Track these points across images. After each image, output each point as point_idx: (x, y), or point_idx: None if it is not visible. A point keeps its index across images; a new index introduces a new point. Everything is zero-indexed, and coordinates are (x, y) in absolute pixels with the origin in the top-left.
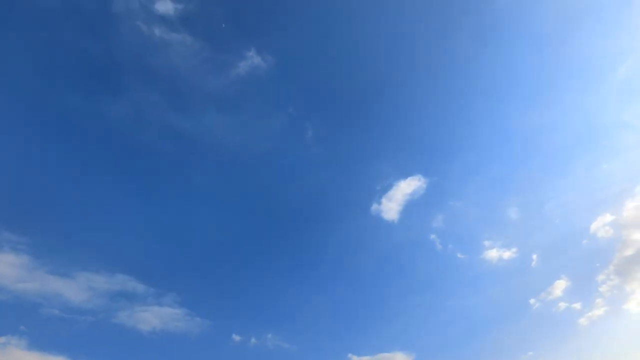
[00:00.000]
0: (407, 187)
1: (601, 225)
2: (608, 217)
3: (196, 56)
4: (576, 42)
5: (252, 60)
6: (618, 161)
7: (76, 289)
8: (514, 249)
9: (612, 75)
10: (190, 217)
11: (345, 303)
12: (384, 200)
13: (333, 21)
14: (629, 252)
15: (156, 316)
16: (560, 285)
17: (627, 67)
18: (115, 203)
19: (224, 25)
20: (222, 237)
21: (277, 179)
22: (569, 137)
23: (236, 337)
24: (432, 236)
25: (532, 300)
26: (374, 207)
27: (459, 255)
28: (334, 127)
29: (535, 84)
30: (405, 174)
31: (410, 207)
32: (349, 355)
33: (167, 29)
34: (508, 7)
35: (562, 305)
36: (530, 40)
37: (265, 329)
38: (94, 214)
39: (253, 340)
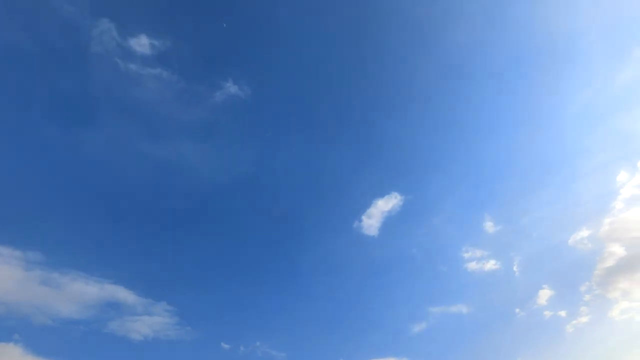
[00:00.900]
0: (385, 205)
1: (579, 239)
2: (585, 232)
3: (172, 88)
4: (550, 66)
5: (229, 89)
6: (593, 179)
7: (68, 300)
8: (494, 261)
9: (580, 97)
10: (174, 237)
11: (333, 311)
12: (364, 217)
13: (308, 50)
14: (609, 263)
15: (147, 325)
16: (544, 295)
17: (593, 90)
18: (97, 226)
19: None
20: (210, 252)
21: (259, 200)
22: (544, 156)
23: (225, 346)
24: (413, 249)
25: (517, 309)
26: (355, 224)
27: (440, 267)
28: (311, 150)
29: (512, 105)
30: (382, 192)
31: (389, 223)
32: None
33: (142, 64)
34: (482, 38)
35: (548, 313)
36: (506, 66)
37: (254, 337)
38: (81, 235)
39: (242, 348)
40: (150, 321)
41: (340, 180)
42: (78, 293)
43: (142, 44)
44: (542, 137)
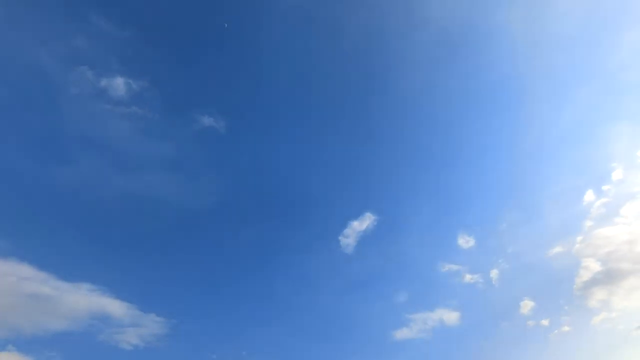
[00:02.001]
0: (359, 225)
1: (555, 255)
2: (560, 248)
3: (147, 123)
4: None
5: (204, 122)
6: (561, 201)
7: (59, 312)
8: (472, 275)
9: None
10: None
11: (315, 322)
12: (341, 237)
13: (282, 81)
14: (586, 276)
15: (137, 335)
16: (526, 306)
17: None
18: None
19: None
20: (195, 270)
21: (242, 223)
22: (513, 179)
23: (213, 356)
24: (389, 264)
25: (502, 320)
26: (333, 244)
27: (417, 279)
28: (286, 178)
29: (481, 132)
30: (356, 214)
31: (365, 241)
32: None
33: (117, 104)
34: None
35: (531, 323)
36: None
37: (240, 347)
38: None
39: (229, 358)
40: (140, 331)
41: (316, 205)
42: (69, 305)
43: (117, 85)
44: (509, 163)
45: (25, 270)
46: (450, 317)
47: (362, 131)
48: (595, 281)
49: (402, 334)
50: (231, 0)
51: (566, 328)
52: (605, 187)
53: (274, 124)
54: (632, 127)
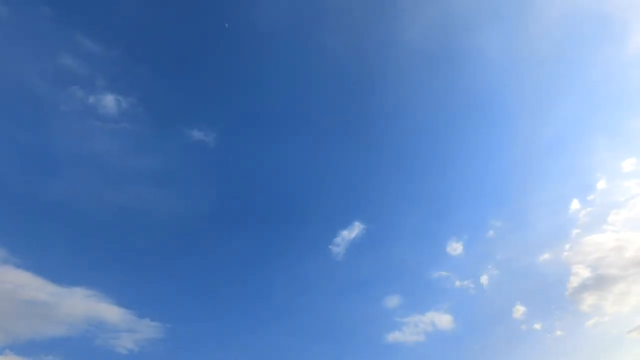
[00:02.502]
0: (349, 234)
1: (544, 261)
2: (549, 255)
3: (137, 138)
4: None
5: (194, 135)
6: (549, 209)
7: (55, 317)
8: (463, 280)
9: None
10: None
11: (309, 325)
12: (331, 246)
13: (273, 94)
14: (576, 282)
15: (132, 340)
16: (519, 310)
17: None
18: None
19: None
20: (191, 278)
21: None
22: (498, 189)
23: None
24: (379, 270)
25: (495, 324)
26: (324, 252)
27: (408, 283)
28: (278, 191)
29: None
30: (346, 223)
31: (354, 249)
32: None
33: (108, 120)
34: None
35: (524, 327)
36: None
37: (235, 350)
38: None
39: None
40: (135, 337)
41: (305, 214)
42: (65, 311)
43: (107, 102)
44: (495, 173)
45: (22, 276)
46: (442, 320)
47: (350, 142)
48: (586, 286)
49: (394, 337)
50: (218, 16)
51: (559, 332)
52: (590, 197)
53: (263, 136)
54: (614, 139)
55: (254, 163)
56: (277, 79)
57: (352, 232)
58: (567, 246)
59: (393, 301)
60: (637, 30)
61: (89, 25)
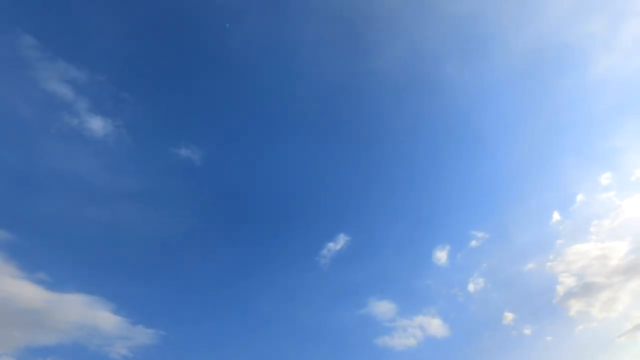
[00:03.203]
0: (334, 246)
1: (529, 270)
2: (534, 265)
3: (124, 157)
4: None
5: (181, 153)
6: (531, 220)
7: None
8: (453, 289)
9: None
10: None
11: (296, 330)
12: (318, 258)
13: (259, 114)
14: (562, 290)
15: (126, 347)
16: (508, 317)
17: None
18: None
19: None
20: (181, 287)
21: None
22: (481, 203)
23: None
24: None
25: (486, 329)
26: (310, 263)
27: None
28: (262, 207)
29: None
30: (331, 236)
31: (340, 259)
32: None
33: (95, 141)
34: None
35: (515, 332)
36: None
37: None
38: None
39: None
40: (129, 343)
41: (292, 228)
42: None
43: (92, 125)
44: (475, 189)
45: (18, 285)
46: (432, 325)
47: (333, 159)
48: (573, 294)
49: (383, 341)
50: (203, 33)
51: (549, 338)
52: (571, 209)
53: (250, 152)
54: (587, 156)
55: (241, 178)
56: (261, 98)
57: (338, 244)
58: (551, 256)
59: (381, 307)
60: (597, 58)
61: (72, 52)
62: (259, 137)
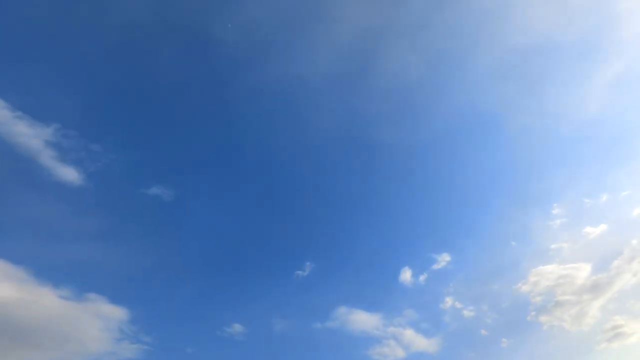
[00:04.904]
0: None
1: (498, 289)
2: (499, 286)
3: (89, 201)
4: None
5: (153, 191)
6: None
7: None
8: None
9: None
10: None
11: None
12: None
13: (232, 152)
14: (533, 308)
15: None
16: (484, 332)
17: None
18: None
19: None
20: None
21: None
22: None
23: None
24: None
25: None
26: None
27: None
28: (233, 238)
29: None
30: (300, 264)
31: (308, 284)
32: None
33: (64, 189)
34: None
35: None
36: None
37: None
38: None
39: None
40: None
41: (262, 262)
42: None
43: (60, 172)
44: (435, 216)
45: None
46: (407, 337)
47: (292, 201)
48: (544, 311)
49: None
50: (177, 72)
51: (526, 350)
52: (528, 236)
53: (220, 191)
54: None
55: (212, 216)
56: (236, 139)
57: (306, 270)
58: (517, 276)
59: (356, 321)
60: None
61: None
62: (234, 173)
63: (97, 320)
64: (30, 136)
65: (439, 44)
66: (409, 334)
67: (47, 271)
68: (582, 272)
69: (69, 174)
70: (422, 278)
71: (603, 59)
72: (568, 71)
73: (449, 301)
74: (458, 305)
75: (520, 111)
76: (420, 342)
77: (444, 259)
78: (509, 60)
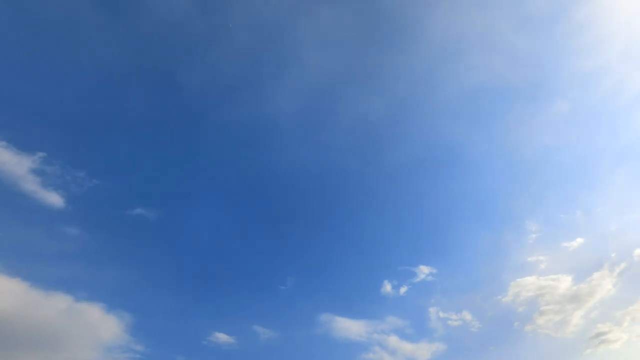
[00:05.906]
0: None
1: (480, 299)
2: (481, 297)
3: (73, 223)
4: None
5: (138, 211)
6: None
7: None
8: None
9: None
10: None
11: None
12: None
13: (214, 169)
14: (518, 317)
15: None
16: None
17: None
18: None
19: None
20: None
21: None
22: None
23: None
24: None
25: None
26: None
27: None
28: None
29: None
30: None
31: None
32: None
33: (48, 212)
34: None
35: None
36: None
37: None
38: None
39: None
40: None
41: (246, 273)
42: None
43: (43, 197)
44: (420, 229)
45: None
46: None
47: (276, 216)
48: (529, 319)
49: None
50: (155, 109)
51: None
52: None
53: (202, 212)
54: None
55: (196, 233)
56: (222, 161)
57: (287, 285)
58: (498, 288)
59: (343, 329)
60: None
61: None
62: (219, 190)
63: (91, 329)
64: (15, 164)
65: (397, 87)
66: (394, 340)
67: (41, 283)
68: (563, 282)
69: (53, 198)
70: (402, 290)
71: (550, 98)
72: (519, 108)
73: (432, 311)
74: (442, 314)
75: (476, 143)
76: (407, 348)
77: (422, 272)
78: (460, 100)
